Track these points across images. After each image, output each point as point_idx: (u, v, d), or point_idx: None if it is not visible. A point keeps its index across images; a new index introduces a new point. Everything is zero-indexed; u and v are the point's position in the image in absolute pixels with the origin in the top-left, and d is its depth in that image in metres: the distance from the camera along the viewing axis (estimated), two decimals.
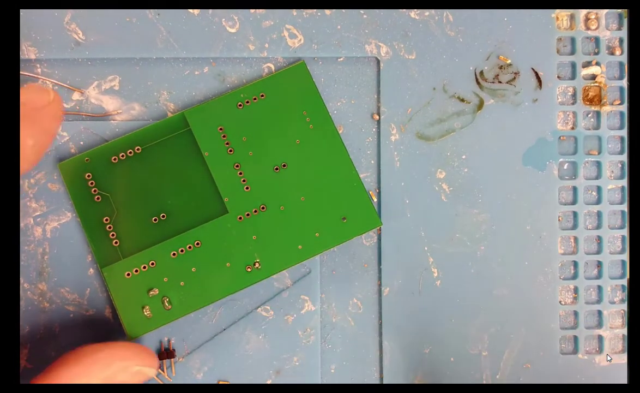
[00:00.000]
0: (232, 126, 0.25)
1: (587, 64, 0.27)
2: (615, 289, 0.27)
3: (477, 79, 0.26)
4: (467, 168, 0.26)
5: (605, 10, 0.26)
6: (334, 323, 0.26)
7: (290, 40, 0.26)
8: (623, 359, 0.26)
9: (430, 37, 0.26)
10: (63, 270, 0.25)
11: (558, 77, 0.26)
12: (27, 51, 0.25)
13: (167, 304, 0.24)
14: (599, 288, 0.26)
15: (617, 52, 0.27)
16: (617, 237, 0.27)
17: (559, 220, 0.26)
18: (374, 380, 0.26)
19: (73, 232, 0.25)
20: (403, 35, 0.26)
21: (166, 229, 0.24)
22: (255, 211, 0.25)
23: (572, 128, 0.26)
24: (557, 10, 0.26)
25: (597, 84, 0.27)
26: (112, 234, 0.24)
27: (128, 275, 0.24)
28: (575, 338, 0.26)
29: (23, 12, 0.25)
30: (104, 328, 0.25)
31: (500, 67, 0.26)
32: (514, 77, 0.26)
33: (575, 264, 0.26)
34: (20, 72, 0.25)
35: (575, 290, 0.26)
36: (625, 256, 0.26)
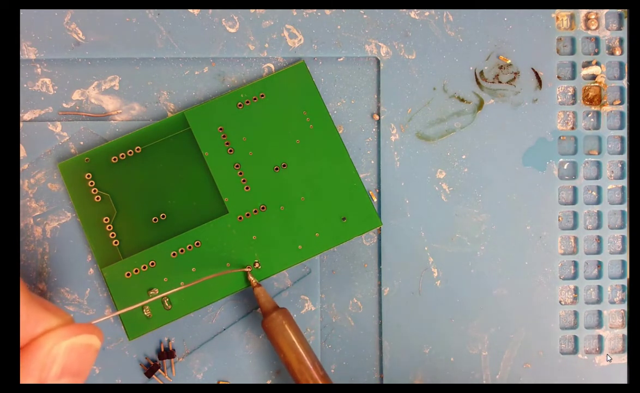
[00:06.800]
0: (232, 126, 0.25)
1: (587, 64, 0.26)
2: (615, 289, 0.27)
3: (477, 79, 0.26)
4: (467, 168, 0.26)
5: (605, 10, 0.26)
6: (334, 323, 0.26)
7: (290, 40, 0.26)
8: (623, 359, 0.26)
9: (430, 37, 0.26)
10: (63, 270, 0.25)
11: (558, 77, 0.26)
12: (27, 50, 0.25)
13: (167, 304, 0.24)
14: (599, 288, 0.26)
15: (617, 52, 0.27)
16: (617, 237, 0.27)
17: (559, 220, 0.26)
18: (374, 380, 0.26)
19: (73, 232, 0.25)
20: (403, 35, 0.26)
21: (166, 229, 0.24)
22: (255, 211, 0.25)
23: (572, 128, 0.26)
24: (557, 10, 0.26)
25: (597, 84, 0.27)
26: (112, 234, 0.24)
27: (128, 275, 0.24)
28: (575, 338, 0.26)
29: (23, 12, 0.25)
30: (104, 328, 0.25)
31: (500, 67, 0.26)
32: (514, 77, 0.26)
33: (575, 264, 0.26)
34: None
35: (575, 290, 0.26)
36: (625, 256, 0.26)
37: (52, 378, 0.17)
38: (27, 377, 0.17)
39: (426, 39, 0.26)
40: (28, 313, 0.17)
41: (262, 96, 0.25)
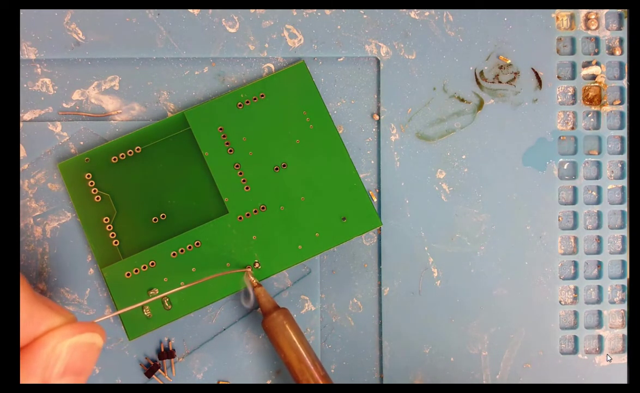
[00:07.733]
0: (232, 126, 0.25)
1: (587, 64, 0.26)
2: (615, 289, 0.27)
3: (477, 79, 0.26)
4: (467, 168, 0.26)
5: (605, 10, 0.26)
6: (334, 323, 0.26)
7: (290, 40, 0.26)
8: (623, 359, 0.26)
9: (430, 37, 0.26)
10: (63, 270, 0.25)
11: (558, 77, 0.26)
12: (27, 50, 0.25)
13: (167, 304, 0.24)
14: (599, 288, 0.26)
15: (617, 52, 0.27)
16: (617, 237, 0.27)
17: (559, 220, 0.26)
18: (374, 380, 0.26)
19: (73, 232, 0.25)
20: (403, 35, 0.26)
21: (166, 229, 0.24)
22: (255, 211, 0.25)
23: (572, 128, 0.26)
24: (557, 10, 0.26)
25: (597, 84, 0.27)
26: (112, 234, 0.24)
27: (128, 275, 0.24)
28: (575, 338, 0.26)
29: (23, 12, 0.25)
30: (104, 328, 0.25)
31: (500, 67, 0.26)
32: (514, 77, 0.26)
33: (575, 264, 0.26)
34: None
35: (575, 290, 0.26)
36: (625, 256, 0.26)
37: (55, 377, 0.17)
38: (30, 375, 0.17)
39: (426, 39, 0.26)
40: (31, 312, 0.17)
41: (262, 96, 0.25)
